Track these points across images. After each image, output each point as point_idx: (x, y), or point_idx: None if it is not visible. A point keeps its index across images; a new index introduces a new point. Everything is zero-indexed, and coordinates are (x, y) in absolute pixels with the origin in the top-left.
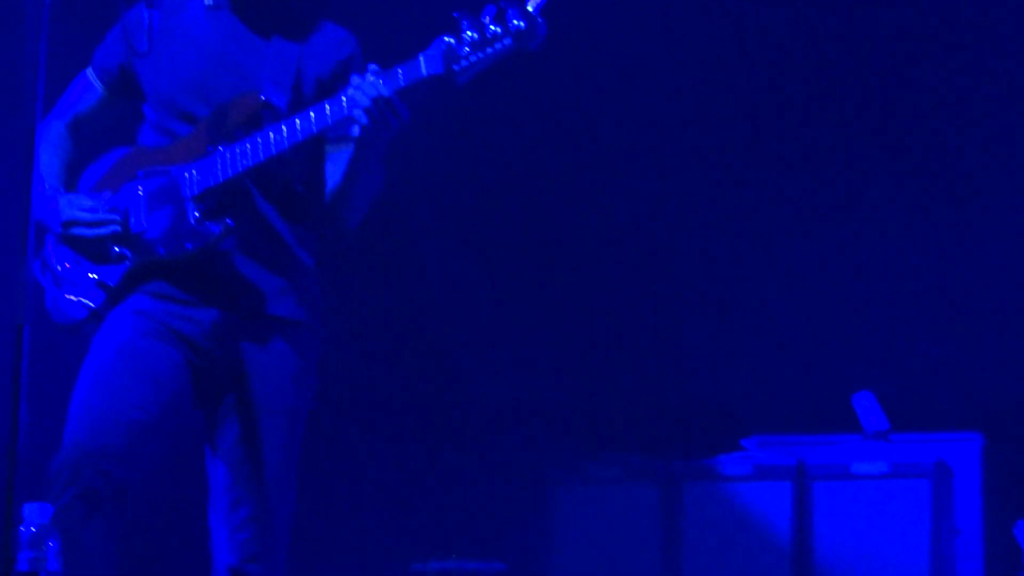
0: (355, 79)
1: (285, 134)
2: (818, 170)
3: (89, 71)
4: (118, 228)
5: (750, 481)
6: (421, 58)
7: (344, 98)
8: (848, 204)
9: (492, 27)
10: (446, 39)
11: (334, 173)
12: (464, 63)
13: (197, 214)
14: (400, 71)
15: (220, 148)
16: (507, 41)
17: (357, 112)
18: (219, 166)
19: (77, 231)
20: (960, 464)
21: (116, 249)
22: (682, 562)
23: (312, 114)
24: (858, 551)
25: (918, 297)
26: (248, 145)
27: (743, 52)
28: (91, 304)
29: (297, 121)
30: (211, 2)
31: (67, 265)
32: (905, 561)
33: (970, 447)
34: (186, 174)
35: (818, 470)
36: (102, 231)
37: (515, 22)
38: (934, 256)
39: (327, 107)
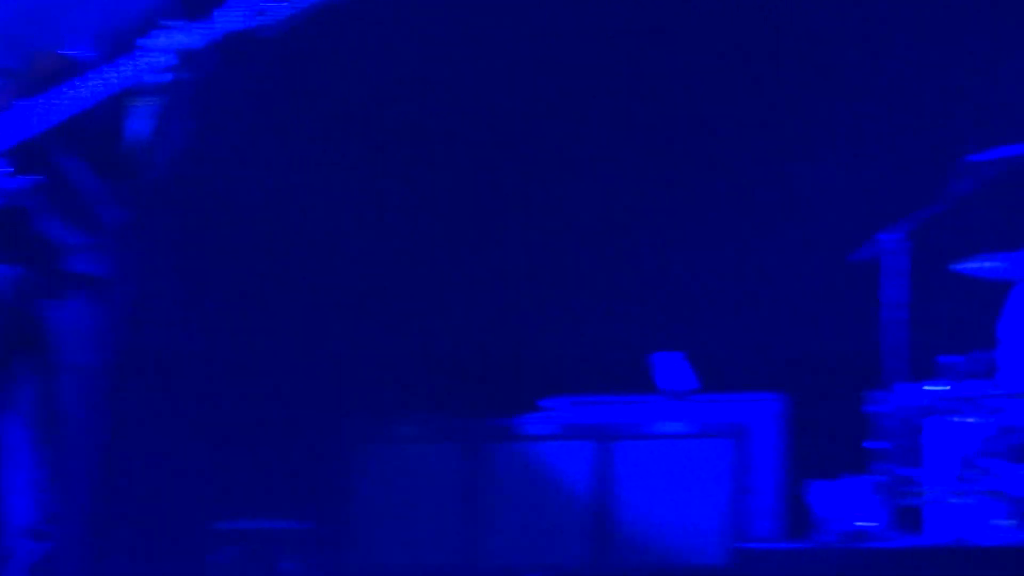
0: (164, 31)
1: (93, 88)
2: (629, 142)
3: None
4: None
5: (553, 440)
6: (232, 11)
7: (153, 50)
8: (651, 170)
9: None
10: None
11: (142, 126)
12: (275, 17)
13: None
14: (209, 24)
15: (25, 103)
16: None
17: (166, 64)
18: (24, 122)
19: None
20: (758, 424)
21: None
22: (485, 520)
23: (120, 67)
24: (658, 510)
25: (720, 260)
26: (55, 100)
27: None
28: None
29: (105, 74)
30: None
31: None
32: (703, 519)
33: (768, 408)
34: None
35: (620, 430)
36: None
37: None
38: (734, 221)
39: (136, 60)
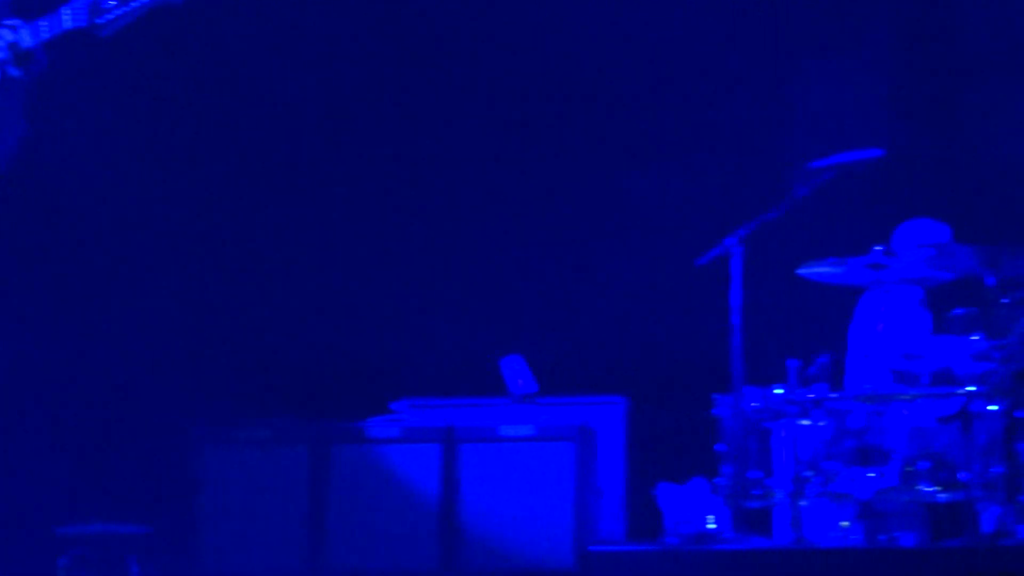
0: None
1: None
2: (477, 147)
3: None
4: None
5: (399, 443)
6: (65, 11)
7: None
8: (501, 175)
9: None
10: None
11: None
12: (108, 16)
13: None
14: (43, 23)
15: None
16: None
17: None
18: None
19: None
20: (604, 427)
21: None
22: (330, 523)
23: None
24: (504, 512)
25: (565, 265)
26: None
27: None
28: None
29: None
30: None
31: None
32: (550, 522)
33: (614, 411)
34: None
35: (466, 433)
36: None
37: None
38: (578, 223)
39: None
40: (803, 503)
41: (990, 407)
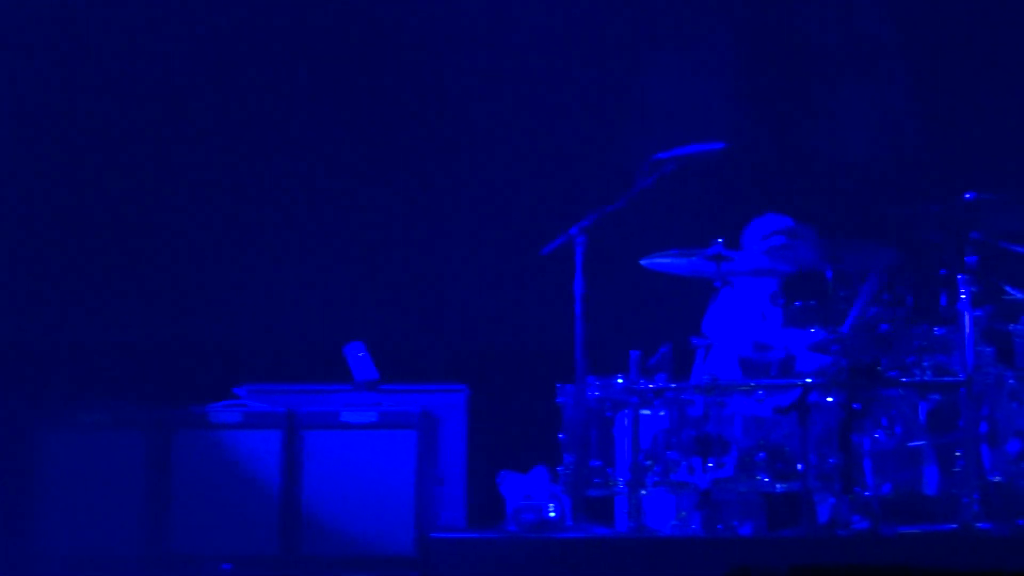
0: None
1: None
2: (308, 140)
3: None
4: None
5: (240, 429)
6: None
7: None
8: (344, 165)
9: None
10: None
11: None
12: None
13: None
14: None
15: None
16: None
17: None
18: None
19: None
20: (446, 415)
21: None
22: (171, 508)
23: None
24: (346, 499)
25: (405, 252)
26: None
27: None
28: None
29: None
30: None
31: None
32: (391, 509)
33: (456, 398)
34: None
35: (308, 419)
36: None
37: None
38: (422, 211)
39: None
40: (643, 492)
41: (827, 399)
